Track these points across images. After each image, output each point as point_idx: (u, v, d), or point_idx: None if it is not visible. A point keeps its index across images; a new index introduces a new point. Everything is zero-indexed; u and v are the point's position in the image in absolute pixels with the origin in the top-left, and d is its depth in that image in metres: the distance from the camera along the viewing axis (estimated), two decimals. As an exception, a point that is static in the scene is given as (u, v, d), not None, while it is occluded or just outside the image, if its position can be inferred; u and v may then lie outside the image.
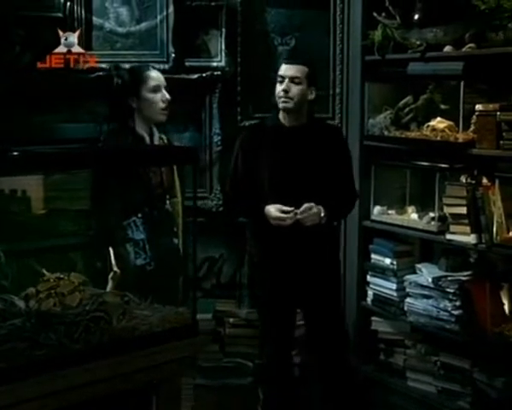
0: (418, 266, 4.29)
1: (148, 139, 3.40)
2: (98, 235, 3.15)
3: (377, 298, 4.45)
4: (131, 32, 4.59)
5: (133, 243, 3.26)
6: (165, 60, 4.55)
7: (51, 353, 2.43)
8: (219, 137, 4.65)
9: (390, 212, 4.49)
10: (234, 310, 4.59)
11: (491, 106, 3.75)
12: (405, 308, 4.25)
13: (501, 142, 3.69)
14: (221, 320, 4.56)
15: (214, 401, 4.35)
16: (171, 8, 4.53)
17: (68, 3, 4.47)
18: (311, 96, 3.81)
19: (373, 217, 4.50)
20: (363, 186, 4.43)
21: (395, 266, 4.31)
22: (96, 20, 4.55)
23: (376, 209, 4.49)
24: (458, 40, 3.95)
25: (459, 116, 3.91)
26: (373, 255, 4.48)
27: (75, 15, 4.49)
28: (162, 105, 3.49)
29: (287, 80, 3.74)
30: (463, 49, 3.90)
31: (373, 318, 4.51)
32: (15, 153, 2.41)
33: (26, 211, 3.08)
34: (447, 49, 3.98)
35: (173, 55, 4.54)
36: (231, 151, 4.62)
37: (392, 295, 4.34)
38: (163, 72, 4.39)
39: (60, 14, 4.47)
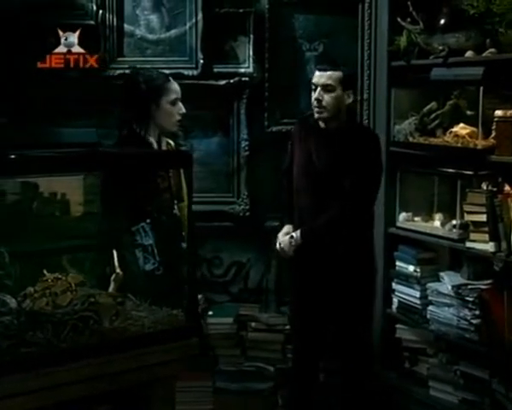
0: (441, 273, 4.22)
1: (156, 146, 3.44)
2: (103, 238, 3.21)
3: (401, 305, 4.40)
4: (161, 38, 4.69)
5: (142, 248, 3.30)
6: (193, 66, 4.64)
7: (38, 351, 2.49)
8: (247, 143, 4.70)
9: (416, 219, 4.43)
10: (256, 314, 4.62)
11: (509, 112, 3.68)
12: (428, 316, 4.20)
13: (518, 148, 3.62)
14: (243, 324, 4.59)
15: (234, 404, 4.37)
16: (200, 16, 4.61)
17: (100, 11, 4.60)
18: (349, 100, 3.68)
19: (398, 224, 4.45)
20: (388, 193, 4.39)
21: (418, 274, 4.26)
22: (127, 27, 4.68)
23: (402, 216, 4.44)
24: (480, 45, 3.89)
25: (479, 122, 3.85)
26: (397, 262, 4.43)
27: (107, 23, 4.63)
28: (178, 117, 3.52)
29: (319, 89, 3.64)
30: (484, 54, 3.84)
31: (397, 325, 4.46)
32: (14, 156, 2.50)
33: (35, 213, 3.17)
34: (468, 54, 3.92)
35: (202, 61, 4.62)
36: (259, 156, 4.70)
37: (415, 303, 4.29)
38: (192, 78, 4.53)
39: (92, 22, 4.60)
